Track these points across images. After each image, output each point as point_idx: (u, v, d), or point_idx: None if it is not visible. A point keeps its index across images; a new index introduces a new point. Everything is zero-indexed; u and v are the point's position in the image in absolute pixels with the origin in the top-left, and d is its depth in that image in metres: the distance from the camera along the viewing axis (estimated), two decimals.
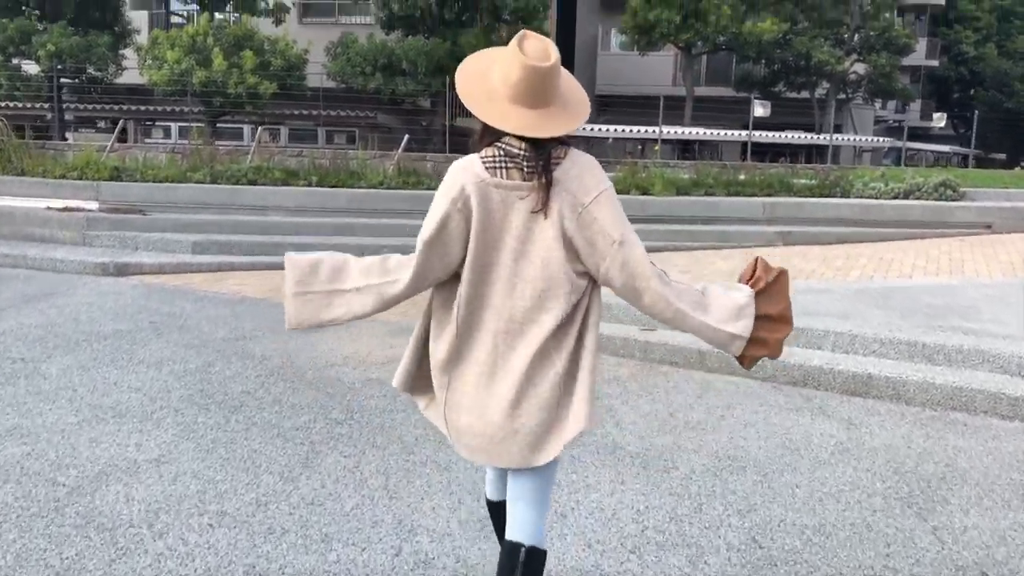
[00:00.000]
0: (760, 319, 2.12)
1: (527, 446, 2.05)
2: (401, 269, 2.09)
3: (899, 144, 22.17)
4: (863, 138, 24.21)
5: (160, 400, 4.56)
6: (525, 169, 1.96)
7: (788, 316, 2.19)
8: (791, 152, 20.75)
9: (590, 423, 2.05)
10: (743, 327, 2.10)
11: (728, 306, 2.10)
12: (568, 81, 2.07)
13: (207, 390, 4.76)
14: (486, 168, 1.98)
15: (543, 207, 1.95)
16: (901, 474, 3.80)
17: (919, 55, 30.66)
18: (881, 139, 24.42)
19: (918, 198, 12.54)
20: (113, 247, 9.44)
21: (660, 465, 3.82)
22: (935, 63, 35.37)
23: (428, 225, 2.00)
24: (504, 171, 1.97)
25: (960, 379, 4.80)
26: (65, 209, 9.97)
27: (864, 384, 4.94)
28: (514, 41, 1.96)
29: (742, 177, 12.81)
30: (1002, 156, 36.60)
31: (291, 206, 10.65)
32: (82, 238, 9.54)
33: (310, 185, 11.18)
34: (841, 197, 12.56)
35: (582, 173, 1.99)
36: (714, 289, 2.14)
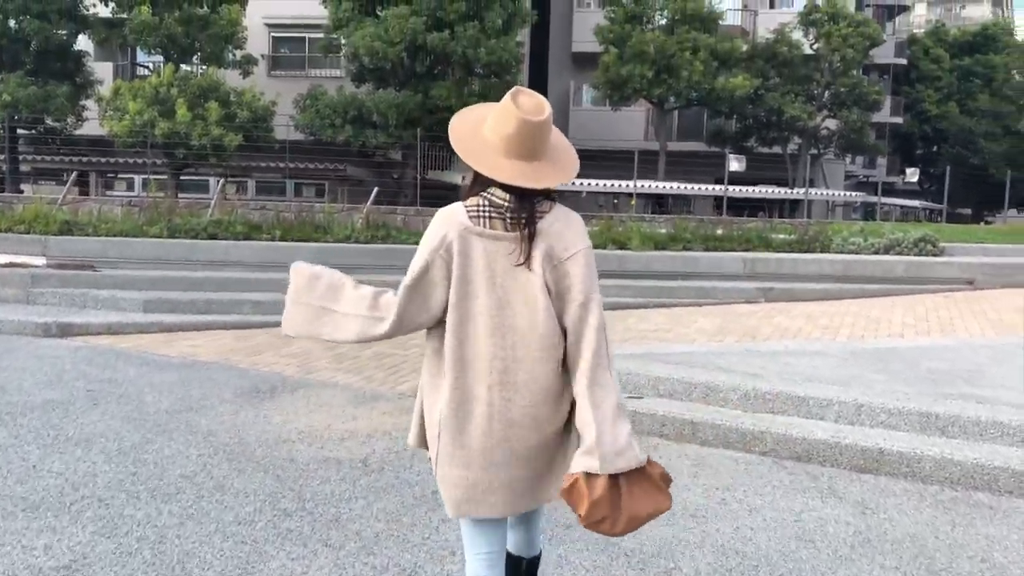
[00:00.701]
0: (623, 492, 1.94)
1: (531, 491, 2.09)
2: (388, 309, 2.08)
3: (873, 199, 22.24)
4: (837, 193, 24.31)
5: (84, 487, 3.97)
6: (508, 220, 2.00)
7: (622, 526, 1.95)
8: (765, 207, 20.69)
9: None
10: (609, 463, 1.91)
11: (623, 438, 1.94)
12: (558, 137, 2.12)
13: (140, 474, 4.17)
14: (470, 217, 2.02)
15: (525, 259, 1.99)
16: (934, 572, 3.32)
17: (884, 113, 31.18)
18: (853, 194, 24.55)
19: (898, 253, 12.34)
20: (59, 305, 8.82)
21: (660, 565, 3.30)
22: (899, 120, 36.06)
23: (411, 270, 2.05)
24: (488, 220, 2.01)
25: (980, 455, 4.36)
26: (8, 264, 9.34)
27: (875, 460, 4.48)
28: (508, 96, 2.03)
29: (719, 232, 12.56)
30: (967, 211, 37.16)
31: (252, 262, 10.12)
32: (26, 296, 8.91)
33: (273, 239, 10.68)
34: (821, 252, 12.33)
35: (564, 229, 2.03)
36: (628, 424, 1.98)
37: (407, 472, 4.29)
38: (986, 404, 4.87)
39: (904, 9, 40.36)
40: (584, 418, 1.93)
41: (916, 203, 27.78)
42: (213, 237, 10.55)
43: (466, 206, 2.03)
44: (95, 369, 6.54)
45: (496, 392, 1.99)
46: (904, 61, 36.67)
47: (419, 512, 3.76)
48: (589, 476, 1.89)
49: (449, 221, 2.02)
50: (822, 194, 22.71)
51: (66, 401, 5.51)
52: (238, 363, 6.87)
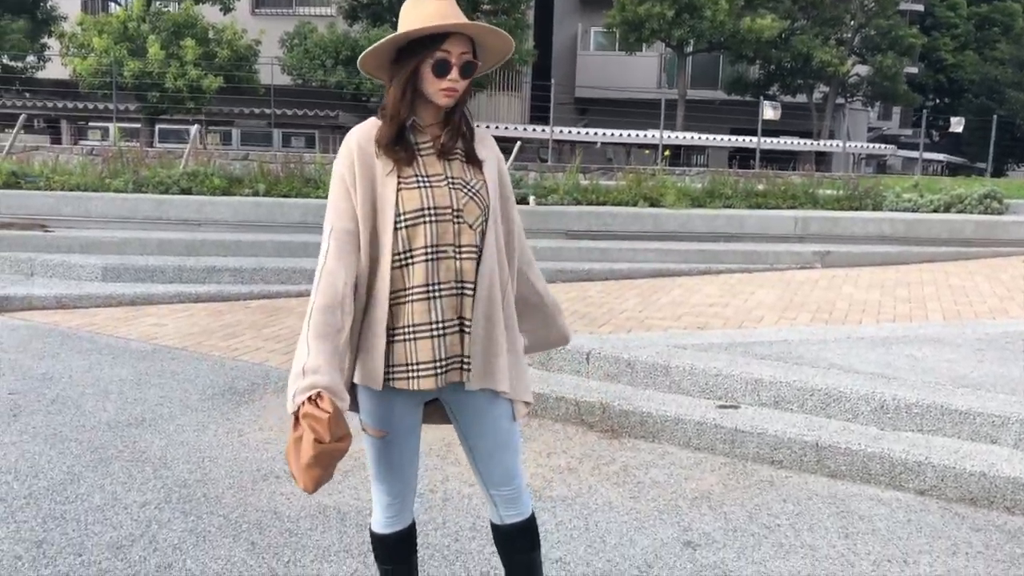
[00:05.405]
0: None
1: None
2: None
3: (903, 153, 20.78)
4: (868, 145, 22.71)
5: None
6: None
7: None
8: (788, 159, 19.22)
9: None
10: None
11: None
12: None
13: (49, 544, 2.85)
14: None
15: None
16: None
17: None
18: (884, 146, 23.04)
19: (960, 211, 11.00)
20: (0, 273, 7.45)
21: None
22: (914, 70, 34.40)
23: None
24: None
25: None
26: None
27: None
28: None
29: (761, 187, 11.16)
30: (982, 165, 35.70)
31: (232, 220, 8.71)
32: None
33: (256, 194, 9.25)
34: (873, 210, 10.98)
35: None
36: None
37: (439, 532, 2.98)
38: None
39: None
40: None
41: (941, 156, 26.31)
42: (186, 192, 9.12)
43: None
44: (29, 359, 5.19)
45: None
46: (921, 7, 34.86)
47: None
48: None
49: None
50: (859, 147, 21.16)
51: None
52: (210, 350, 5.53)
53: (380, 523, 2.06)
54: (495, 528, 2.08)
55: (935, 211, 10.95)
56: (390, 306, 1.85)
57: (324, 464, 1.69)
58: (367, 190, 1.85)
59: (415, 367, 1.84)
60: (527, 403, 2.00)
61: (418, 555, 2.22)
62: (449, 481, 3.46)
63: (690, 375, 4.31)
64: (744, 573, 2.79)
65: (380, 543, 2.08)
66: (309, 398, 1.69)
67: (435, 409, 2.02)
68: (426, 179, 1.86)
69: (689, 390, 4.30)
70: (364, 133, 1.90)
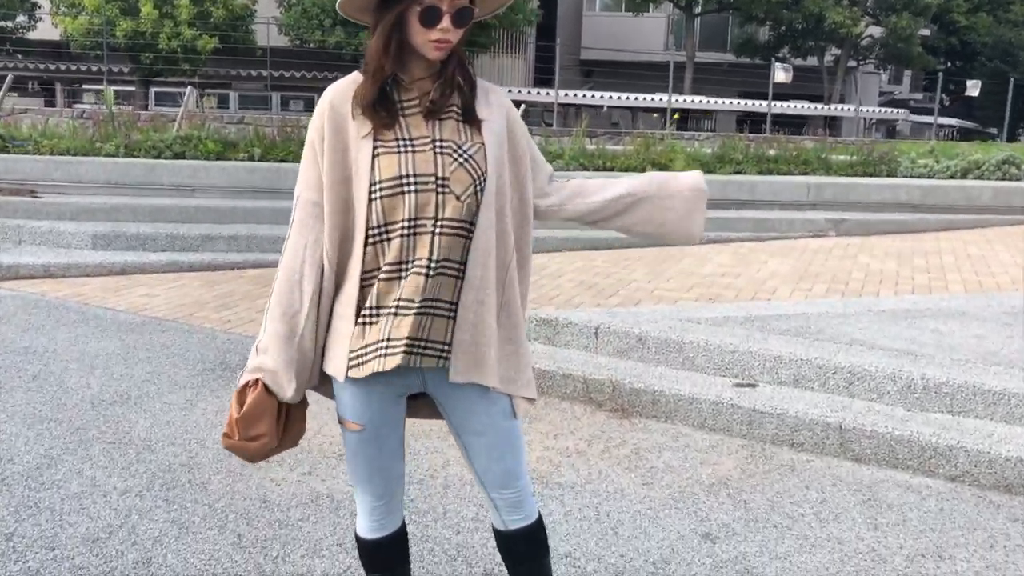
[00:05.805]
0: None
1: None
2: None
3: (915, 119, 20.36)
4: (880, 110, 22.22)
5: None
6: None
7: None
8: (798, 123, 18.79)
9: None
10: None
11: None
12: None
13: (19, 537, 2.65)
14: None
15: None
16: None
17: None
18: (896, 111, 22.56)
19: (978, 177, 10.70)
20: None
21: None
22: (926, 32, 33.69)
23: None
24: None
25: None
26: None
27: None
28: None
29: (772, 152, 10.85)
30: (993, 130, 35.08)
31: (226, 186, 8.43)
32: None
33: (252, 159, 8.95)
34: (888, 176, 10.68)
35: None
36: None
37: (439, 523, 2.77)
38: None
39: None
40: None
41: (953, 121, 25.84)
42: (179, 156, 8.83)
43: None
44: (13, 331, 4.98)
45: None
46: None
47: None
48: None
49: None
50: (872, 111, 20.69)
51: None
52: (203, 322, 5.31)
53: (365, 528, 1.85)
54: (498, 534, 1.86)
55: (951, 177, 10.65)
56: (362, 287, 1.60)
57: (238, 455, 1.67)
58: (336, 154, 1.60)
59: (363, 350, 1.60)
60: (529, 399, 1.76)
61: (417, 549, 2.02)
62: (450, 466, 3.26)
63: (704, 351, 4.09)
64: (767, 569, 2.59)
65: (367, 549, 1.87)
66: (248, 383, 1.64)
67: (423, 404, 1.78)
68: (408, 143, 1.59)
69: (704, 367, 4.08)
70: (340, 91, 1.63)
